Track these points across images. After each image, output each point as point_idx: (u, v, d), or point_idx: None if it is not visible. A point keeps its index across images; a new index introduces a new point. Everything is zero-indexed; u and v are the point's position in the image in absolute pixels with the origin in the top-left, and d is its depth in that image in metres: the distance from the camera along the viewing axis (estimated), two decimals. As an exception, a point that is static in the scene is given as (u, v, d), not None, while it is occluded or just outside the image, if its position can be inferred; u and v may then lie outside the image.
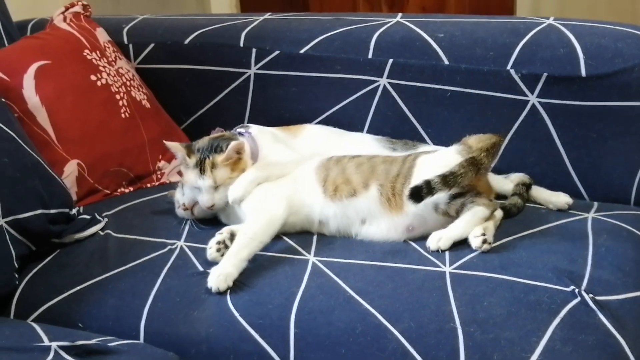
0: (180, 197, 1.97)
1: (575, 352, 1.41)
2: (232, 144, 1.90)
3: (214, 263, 1.72)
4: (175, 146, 1.96)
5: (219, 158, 1.90)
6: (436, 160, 1.82)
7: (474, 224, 1.73)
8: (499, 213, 1.81)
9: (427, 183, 1.69)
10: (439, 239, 1.72)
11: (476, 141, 1.80)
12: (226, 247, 1.76)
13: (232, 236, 1.79)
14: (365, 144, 2.13)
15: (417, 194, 1.69)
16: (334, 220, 1.85)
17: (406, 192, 1.74)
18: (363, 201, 1.82)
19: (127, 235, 1.94)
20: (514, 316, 1.49)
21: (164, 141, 1.98)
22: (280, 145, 2.08)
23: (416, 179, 1.76)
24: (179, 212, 1.98)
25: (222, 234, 1.79)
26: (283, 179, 1.92)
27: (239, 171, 1.92)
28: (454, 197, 1.73)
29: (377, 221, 1.81)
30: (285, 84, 2.34)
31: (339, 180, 1.85)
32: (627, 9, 3.85)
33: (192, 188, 1.92)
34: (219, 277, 1.66)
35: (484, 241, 1.69)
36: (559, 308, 1.49)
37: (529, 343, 1.43)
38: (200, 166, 1.89)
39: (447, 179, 1.69)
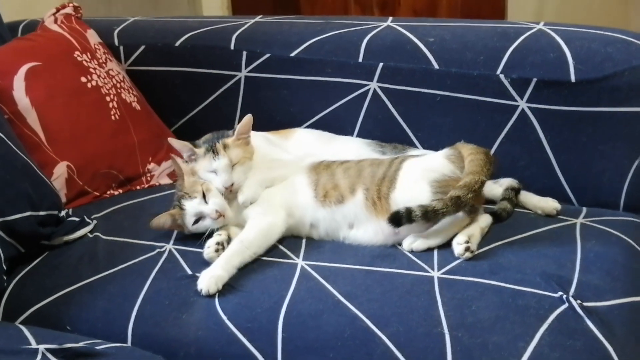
0: (204, 207, 1.83)
1: (562, 357, 1.42)
2: (245, 118, 1.92)
3: (206, 264, 1.72)
4: (180, 143, 1.93)
5: (230, 139, 1.91)
6: (422, 164, 1.83)
7: (453, 231, 1.75)
8: (486, 221, 1.81)
9: (409, 212, 1.70)
10: (414, 241, 1.75)
11: (468, 152, 1.81)
12: (224, 248, 1.77)
13: (229, 238, 1.80)
14: (354, 147, 2.13)
15: (397, 220, 1.72)
16: (323, 224, 1.85)
17: (392, 195, 1.77)
18: (350, 207, 1.82)
19: (116, 237, 1.94)
20: (502, 321, 1.49)
21: (168, 139, 1.96)
22: (275, 148, 2.08)
23: (401, 183, 1.78)
24: (205, 224, 1.84)
25: (221, 235, 1.80)
26: (282, 185, 1.92)
27: (249, 154, 1.93)
28: None
29: (364, 225, 1.81)
30: (276, 87, 2.34)
31: (329, 185, 1.85)
32: (618, 13, 3.86)
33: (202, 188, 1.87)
34: (210, 280, 1.66)
35: (467, 249, 1.70)
36: (547, 313, 1.50)
37: (517, 348, 1.43)
38: (213, 150, 1.89)
39: (427, 214, 1.70)
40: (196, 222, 1.84)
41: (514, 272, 1.62)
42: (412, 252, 1.74)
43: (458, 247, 1.70)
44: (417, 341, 1.48)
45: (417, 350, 1.47)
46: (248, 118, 1.93)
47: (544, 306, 1.52)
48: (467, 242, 1.70)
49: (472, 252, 1.70)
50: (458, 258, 1.69)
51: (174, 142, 1.94)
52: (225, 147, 1.89)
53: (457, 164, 1.80)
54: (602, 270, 1.65)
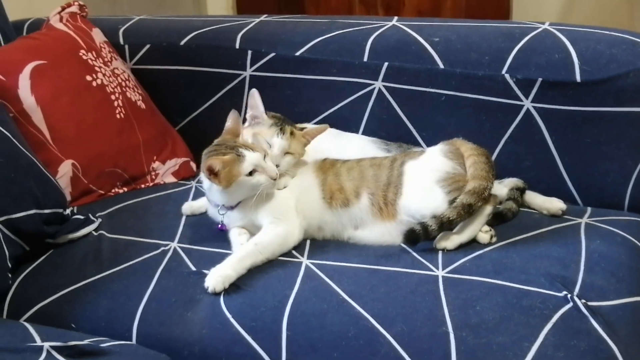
0: (266, 164, 1.82)
1: (567, 357, 1.41)
2: (321, 126, 2.02)
3: (212, 263, 1.72)
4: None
5: (298, 131, 1.96)
6: (425, 166, 1.83)
7: (481, 224, 1.78)
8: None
9: (425, 228, 1.72)
10: (447, 239, 1.76)
11: (468, 152, 1.83)
12: None
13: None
14: (361, 144, 2.13)
15: (414, 239, 1.74)
16: (330, 226, 1.86)
17: (400, 202, 1.79)
18: (356, 211, 1.83)
19: (120, 236, 1.94)
20: (507, 321, 1.49)
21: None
22: None
23: (408, 190, 1.79)
24: (258, 179, 1.80)
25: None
26: (292, 186, 1.91)
27: (302, 152, 1.96)
28: (452, 202, 1.76)
29: (370, 227, 1.82)
30: (280, 87, 2.34)
31: (334, 186, 1.86)
32: (623, 14, 3.86)
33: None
34: (217, 279, 1.66)
35: (492, 236, 1.77)
36: (552, 313, 1.50)
37: (521, 348, 1.43)
38: (281, 127, 1.93)
39: (443, 225, 1.73)
40: (250, 174, 1.79)
41: (519, 272, 1.63)
42: (445, 250, 1.75)
43: (483, 235, 1.77)
44: (421, 341, 1.48)
45: (422, 350, 1.47)
46: (324, 127, 2.01)
47: (548, 306, 1.52)
48: (489, 229, 1.78)
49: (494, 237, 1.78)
50: (462, 257, 1.70)
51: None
52: (292, 133, 1.93)
53: (456, 160, 1.82)
54: (607, 270, 1.65)
